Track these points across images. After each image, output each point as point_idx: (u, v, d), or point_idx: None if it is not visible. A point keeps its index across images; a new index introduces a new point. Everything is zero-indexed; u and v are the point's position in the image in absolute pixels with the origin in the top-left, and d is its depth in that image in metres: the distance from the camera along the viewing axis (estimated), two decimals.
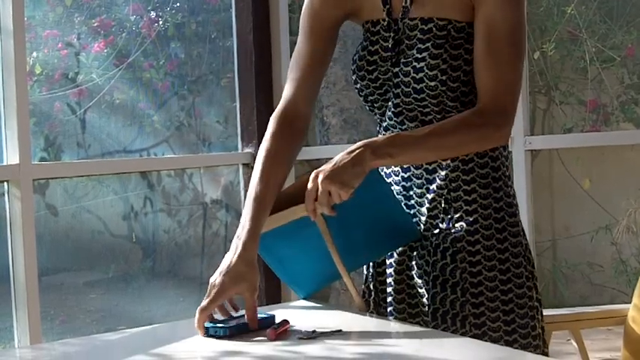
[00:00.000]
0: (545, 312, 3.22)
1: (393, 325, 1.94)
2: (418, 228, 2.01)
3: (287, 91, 2.08)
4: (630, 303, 2.93)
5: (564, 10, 5.52)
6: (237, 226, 1.93)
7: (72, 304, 4.19)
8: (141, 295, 4.29)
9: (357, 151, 1.88)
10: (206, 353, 1.71)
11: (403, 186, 2.03)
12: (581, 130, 5.63)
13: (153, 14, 4.33)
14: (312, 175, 1.88)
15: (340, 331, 1.81)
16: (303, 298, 2.09)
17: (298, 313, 2.02)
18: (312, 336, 1.78)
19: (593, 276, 5.86)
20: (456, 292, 1.94)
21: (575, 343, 3.02)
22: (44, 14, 3.99)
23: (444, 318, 1.94)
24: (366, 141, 1.92)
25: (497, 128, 1.95)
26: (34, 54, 3.90)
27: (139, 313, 4.24)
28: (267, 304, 3.58)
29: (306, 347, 1.72)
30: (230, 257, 1.88)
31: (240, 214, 1.95)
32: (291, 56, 2.18)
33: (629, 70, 5.62)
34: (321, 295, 3.69)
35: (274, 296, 3.84)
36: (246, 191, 2.33)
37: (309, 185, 1.88)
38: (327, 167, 1.86)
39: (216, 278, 1.86)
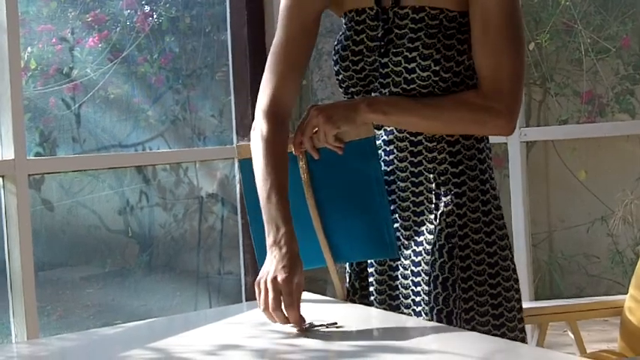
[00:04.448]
0: (542, 303, 3.24)
1: (391, 318, 1.93)
2: (398, 249, 1.97)
3: (272, 84, 2.01)
4: (626, 294, 2.93)
5: (559, 1, 5.51)
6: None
7: (68, 299, 4.18)
8: (137, 289, 4.29)
9: (356, 100, 1.94)
10: (203, 347, 1.71)
11: (385, 180, 2.00)
12: (577, 122, 5.63)
13: (147, 8, 4.32)
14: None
15: (336, 323, 1.81)
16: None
17: None
18: (309, 328, 1.78)
19: (590, 267, 5.86)
20: (455, 289, 1.91)
21: (571, 335, 3.02)
22: (38, 9, 3.98)
23: (449, 318, 1.89)
24: (367, 96, 1.98)
25: (497, 115, 1.91)
26: (29, 49, 3.89)
27: (136, 307, 4.24)
28: None
29: (303, 340, 1.72)
30: (277, 259, 1.82)
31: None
32: None
33: (624, 61, 5.62)
34: (318, 288, 3.69)
35: None
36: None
37: (303, 117, 1.94)
38: (323, 104, 1.92)
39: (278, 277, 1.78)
